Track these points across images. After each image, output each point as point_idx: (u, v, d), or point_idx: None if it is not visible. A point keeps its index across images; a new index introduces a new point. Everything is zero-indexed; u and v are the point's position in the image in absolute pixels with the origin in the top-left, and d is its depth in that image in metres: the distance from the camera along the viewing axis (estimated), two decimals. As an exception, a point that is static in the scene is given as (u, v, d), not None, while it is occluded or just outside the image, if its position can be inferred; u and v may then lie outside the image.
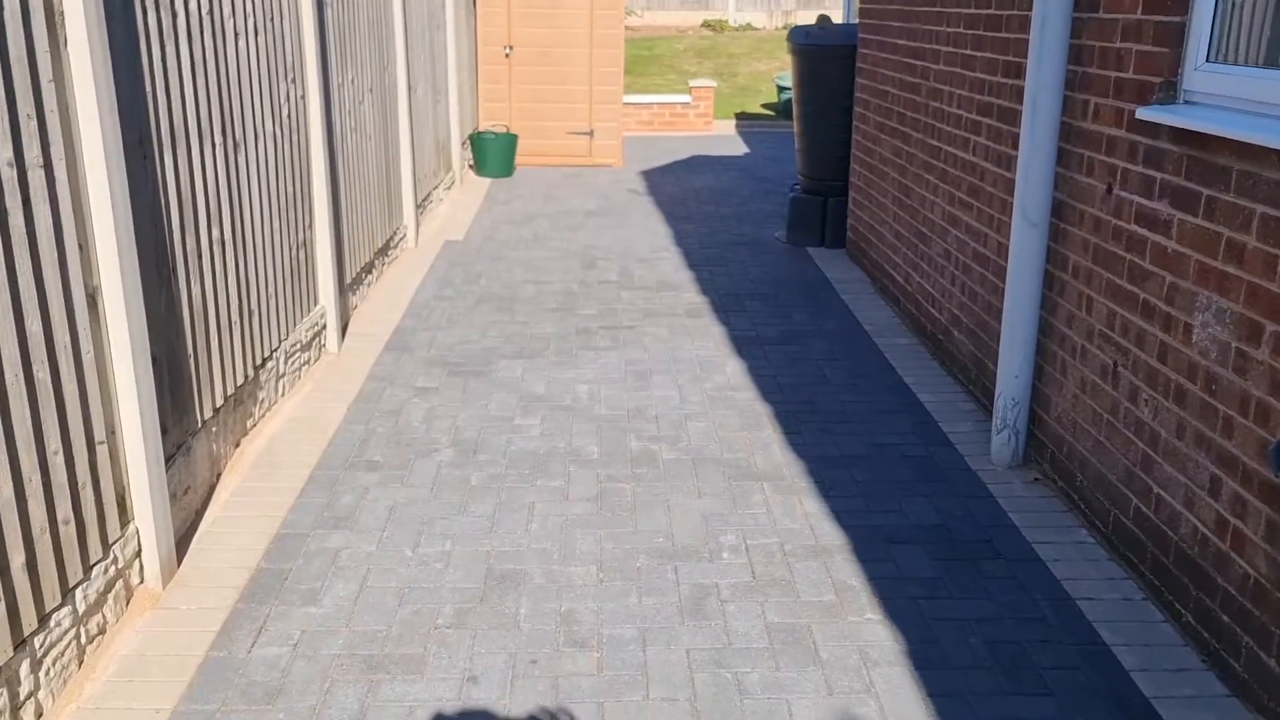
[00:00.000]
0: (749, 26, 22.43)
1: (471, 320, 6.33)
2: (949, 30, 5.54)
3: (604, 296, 6.85)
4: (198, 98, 3.93)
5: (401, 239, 7.78)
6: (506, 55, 11.04)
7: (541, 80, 11.14)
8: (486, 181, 10.56)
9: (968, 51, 5.27)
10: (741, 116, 14.49)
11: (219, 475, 4.17)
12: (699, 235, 8.54)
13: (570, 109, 11.25)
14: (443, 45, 9.49)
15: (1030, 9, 4.44)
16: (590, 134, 11.31)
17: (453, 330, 6.12)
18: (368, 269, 6.73)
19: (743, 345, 5.92)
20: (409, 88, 7.85)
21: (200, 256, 3.96)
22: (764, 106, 15.14)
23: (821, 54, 7.73)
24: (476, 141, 10.60)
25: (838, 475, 4.30)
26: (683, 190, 10.25)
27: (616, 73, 11.13)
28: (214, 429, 4.12)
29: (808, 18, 22.82)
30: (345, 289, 6.15)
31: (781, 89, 14.20)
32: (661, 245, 8.19)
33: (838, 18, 22.83)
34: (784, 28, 22.65)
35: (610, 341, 6.00)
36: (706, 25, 22.27)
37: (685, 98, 13.72)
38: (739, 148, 12.78)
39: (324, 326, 5.65)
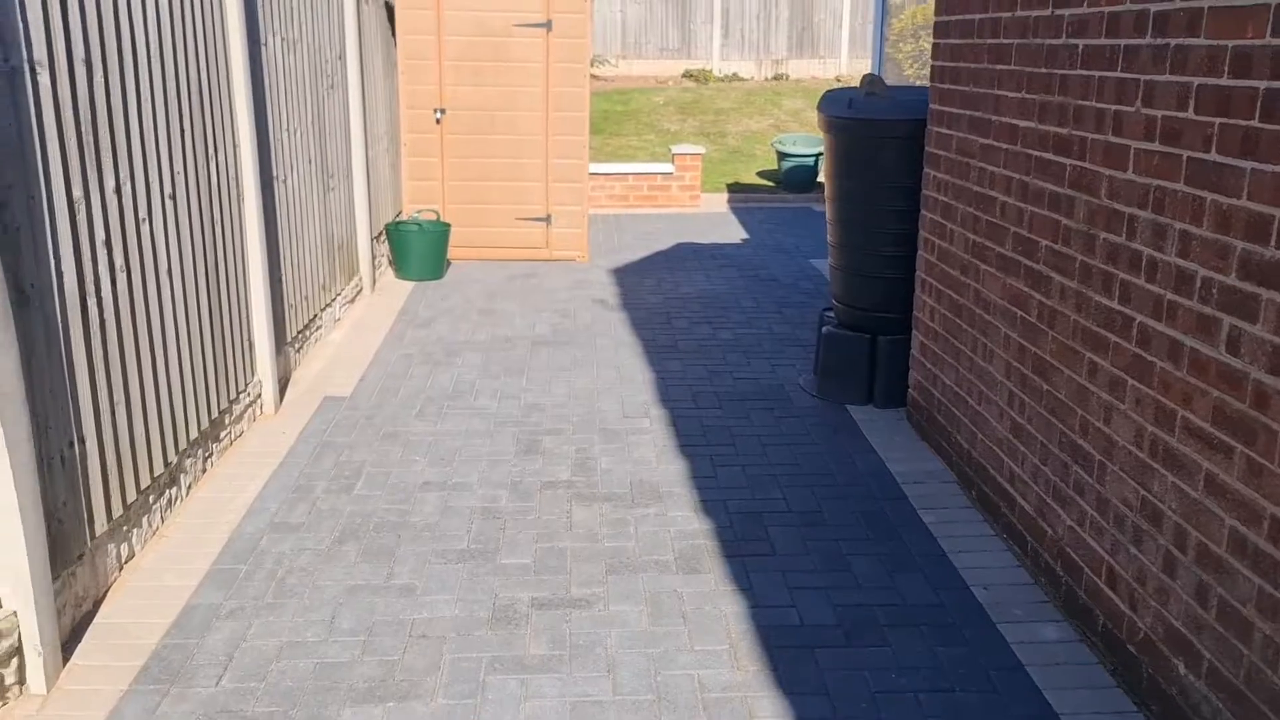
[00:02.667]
0: (735, 77, 20.17)
1: (318, 587, 3.76)
2: (1154, 114, 3.08)
3: (547, 521, 4.31)
4: None
5: (249, 406, 5.22)
6: (437, 121, 8.58)
7: (484, 152, 8.67)
8: (408, 287, 8.03)
9: (1214, 157, 2.80)
10: (735, 189, 12.09)
11: None
12: (692, 382, 6.03)
13: (521, 189, 8.78)
14: (339, 112, 7.01)
15: None
16: (547, 220, 8.83)
17: (277, 618, 3.55)
18: (159, 486, 4.16)
19: (779, 653, 3.38)
20: (261, 179, 5.33)
21: None
22: (760, 175, 12.75)
23: (871, 132, 5.28)
24: (395, 235, 8.09)
25: None
26: (667, 300, 7.76)
27: (580, 142, 8.69)
28: None
29: (800, 69, 20.59)
30: (63, 560, 3.57)
31: (784, 155, 11.82)
32: (639, 403, 5.67)
33: (836, 69, 20.62)
34: (775, 79, 20.41)
35: (548, 647, 3.44)
36: (689, 75, 20.01)
37: (667, 166, 11.31)
38: (734, 231, 10.34)
39: (15, 650, 3.09)
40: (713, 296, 7.85)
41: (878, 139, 5.29)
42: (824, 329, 5.81)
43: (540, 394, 5.80)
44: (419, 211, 8.49)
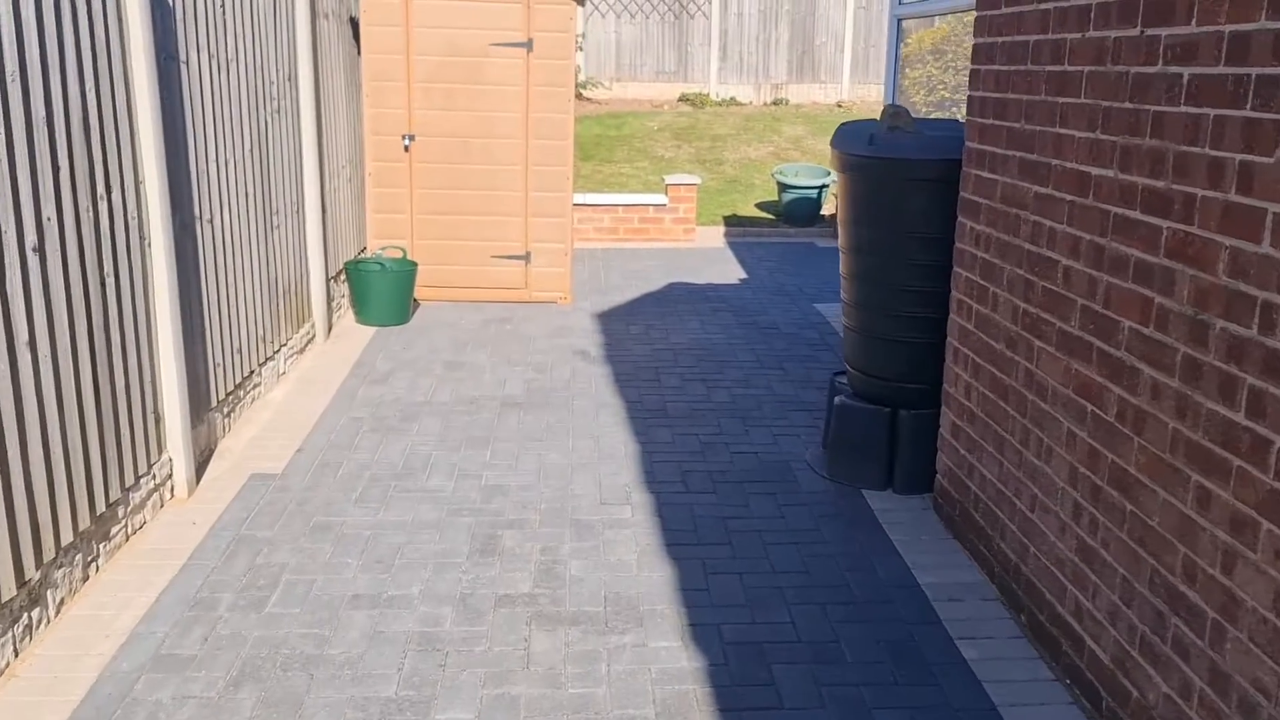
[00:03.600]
0: (733, 101, 19.47)
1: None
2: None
3: (499, 655, 3.47)
4: None
5: (155, 490, 4.38)
6: (406, 148, 7.78)
7: (456, 183, 7.88)
8: (368, 334, 7.21)
9: None
10: (732, 222, 11.30)
11: None
12: (682, 456, 5.21)
13: (497, 224, 7.97)
14: (289, 140, 6.21)
15: None
16: (525, 258, 8.03)
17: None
18: (10, 613, 3.31)
19: None
20: (175, 221, 4.52)
21: None
22: (760, 207, 11.96)
23: (896, 174, 4.48)
24: (355, 275, 7.27)
25: None
26: (656, 352, 6.94)
27: (563, 173, 7.90)
28: None
29: (801, 94, 19.88)
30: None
31: (786, 186, 11.03)
32: (620, 485, 4.84)
33: (838, 94, 19.90)
34: (774, 103, 19.69)
35: None
36: (685, 99, 19.29)
37: (660, 198, 10.52)
38: (731, 269, 9.54)
39: None
40: (707, 348, 7.03)
41: (903, 182, 4.48)
42: (836, 399, 4.99)
43: (505, 471, 4.97)
44: (383, 249, 7.68)
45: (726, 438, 5.48)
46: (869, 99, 19.91)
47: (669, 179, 10.59)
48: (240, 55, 5.42)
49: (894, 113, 4.61)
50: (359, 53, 7.66)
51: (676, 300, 8.31)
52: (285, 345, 6.25)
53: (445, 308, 7.90)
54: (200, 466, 4.85)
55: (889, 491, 4.85)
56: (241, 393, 5.51)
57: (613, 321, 7.65)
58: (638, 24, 19.77)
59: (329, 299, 7.10)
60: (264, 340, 5.85)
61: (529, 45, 7.64)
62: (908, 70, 7.42)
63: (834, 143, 4.79)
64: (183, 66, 4.68)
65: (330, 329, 7.11)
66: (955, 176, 4.36)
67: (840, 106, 19.20)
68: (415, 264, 7.52)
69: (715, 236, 10.89)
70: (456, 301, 8.06)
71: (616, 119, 16.48)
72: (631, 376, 6.42)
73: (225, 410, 5.27)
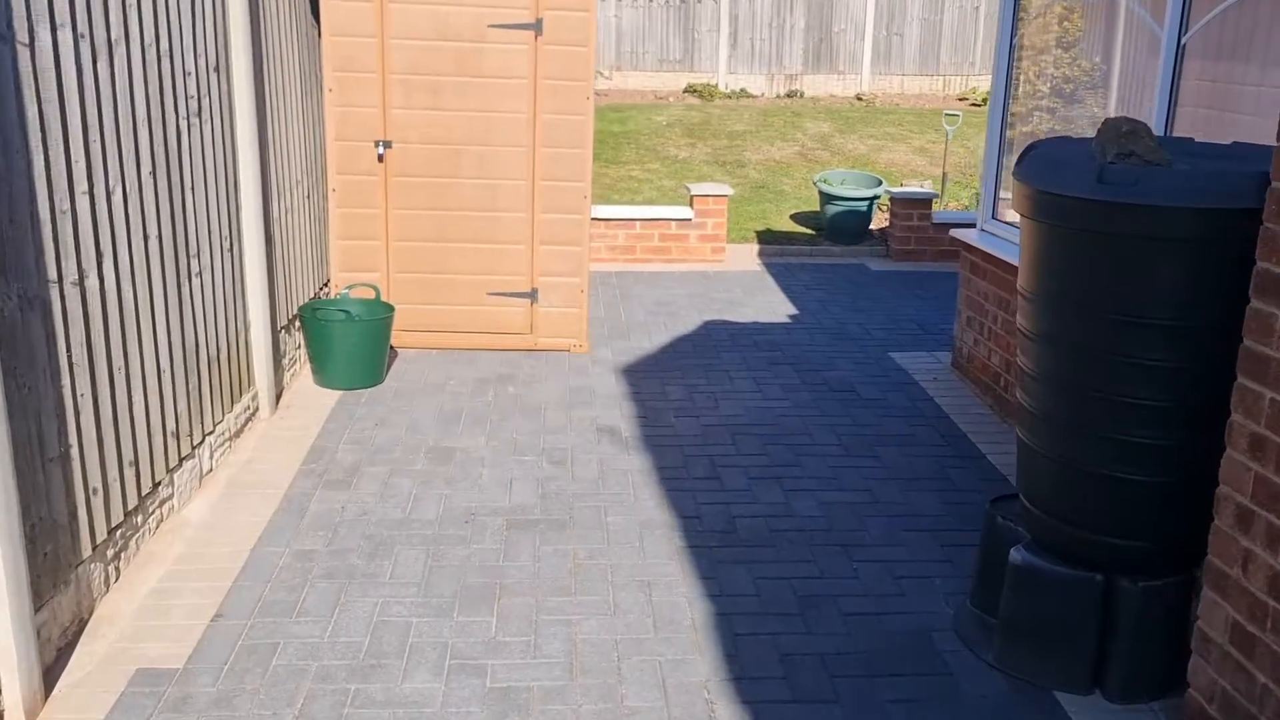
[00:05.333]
0: (744, 93, 17.80)
1: None
2: None
3: None
4: None
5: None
6: (380, 158, 6.12)
7: (444, 202, 6.22)
8: (330, 402, 5.55)
9: None
10: (766, 238, 9.66)
11: None
12: (776, 627, 3.57)
13: (495, 254, 6.33)
14: (219, 152, 4.53)
15: None
16: (531, 296, 6.38)
17: None
18: None
19: None
20: (15, 291, 2.87)
21: None
22: (795, 219, 10.32)
23: (1141, 228, 2.83)
24: (313, 325, 5.61)
25: None
26: (705, 429, 5.32)
27: (580, 190, 6.26)
28: None
29: (817, 85, 18.24)
30: None
31: (830, 197, 9.39)
32: (692, 686, 3.20)
33: (857, 86, 18.22)
34: (788, 95, 18.05)
35: None
36: (692, 90, 17.62)
37: (684, 211, 8.89)
38: (775, 301, 7.91)
39: None
40: (771, 422, 5.41)
41: (1148, 241, 2.87)
42: (1015, 556, 3.36)
43: (521, 658, 3.34)
44: (351, 287, 6.01)
45: (830, 584, 3.87)
46: (891, 91, 18.32)
47: (694, 188, 8.95)
48: (136, 34, 3.75)
49: (1127, 131, 2.99)
50: (319, 34, 5.98)
51: (718, 346, 6.68)
52: (213, 432, 4.60)
53: (430, 360, 6.24)
54: (61, 658, 3.22)
55: (1096, 695, 3.25)
56: (139, 519, 3.86)
57: (644, 380, 6.01)
58: (640, 8, 18.09)
59: (278, 357, 5.44)
60: (177, 435, 4.19)
61: (537, 27, 5.99)
62: (1024, 62, 5.85)
63: (1023, 174, 3.16)
64: (20, 50, 3.01)
65: (279, 397, 5.45)
66: (1237, 235, 2.76)
67: (861, 100, 17.59)
68: (391, 308, 5.85)
69: (748, 256, 9.26)
70: (444, 350, 6.40)
71: (619, 113, 14.82)
72: (680, 472, 4.79)
73: (109, 555, 3.62)
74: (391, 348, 6.21)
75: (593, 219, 8.73)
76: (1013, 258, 5.43)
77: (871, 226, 9.66)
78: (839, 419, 5.49)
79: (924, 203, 8.99)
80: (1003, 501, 3.69)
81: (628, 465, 4.86)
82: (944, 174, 10.04)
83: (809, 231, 9.87)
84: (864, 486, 4.71)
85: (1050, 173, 3.04)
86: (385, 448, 4.96)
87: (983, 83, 18.31)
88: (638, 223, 8.85)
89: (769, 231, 9.81)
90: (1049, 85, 6.20)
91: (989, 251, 5.72)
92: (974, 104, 17.39)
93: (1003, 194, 5.95)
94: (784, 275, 8.65)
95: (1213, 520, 2.92)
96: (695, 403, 5.67)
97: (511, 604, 3.67)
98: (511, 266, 6.33)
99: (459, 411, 5.44)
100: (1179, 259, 2.86)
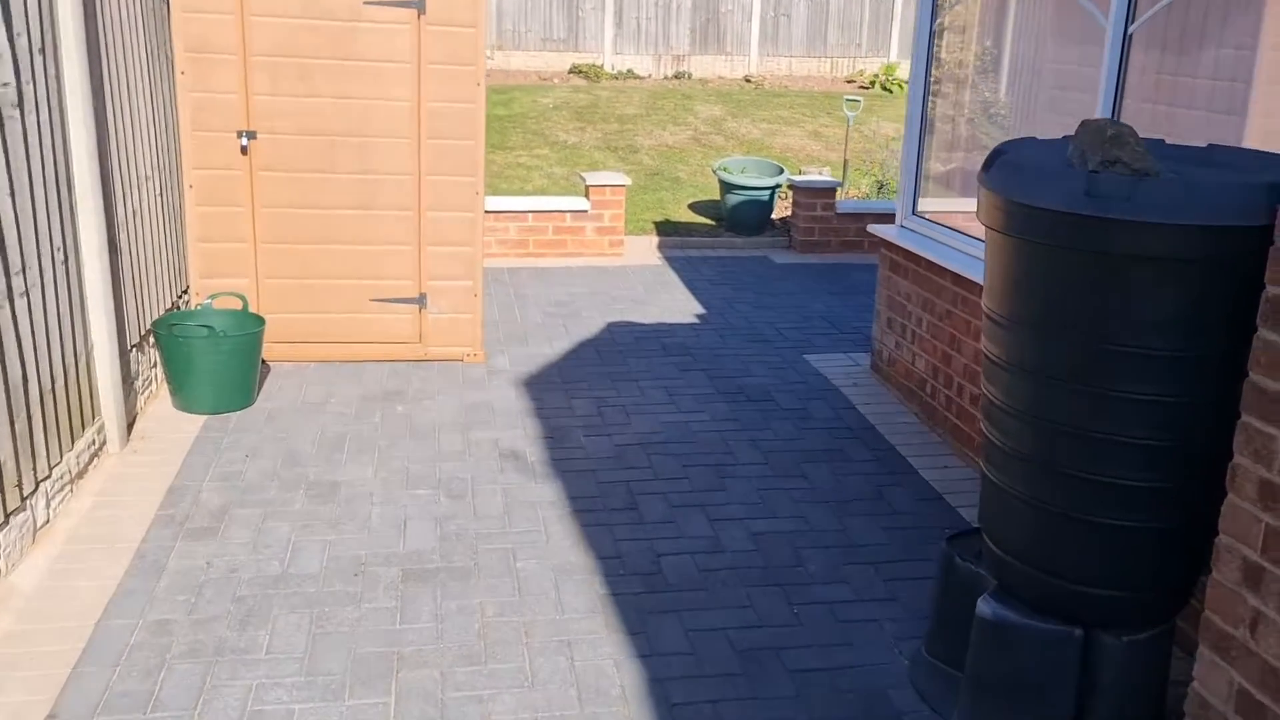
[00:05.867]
0: (631, 74, 17.32)
1: None
2: None
3: None
4: None
5: None
6: (244, 150, 5.45)
7: (319, 199, 5.60)
8: (193, 429, 4.89)
9: None
10: (666, 229, 9.23)
11: None
12: (715, 692, 3.14)
13: (380, 255, 5.73)
14: (46, 148, 3.84)
15: None
16: (420, 302, 5.81)
17: None
18: None
19: None
20: None
21: None
22: (694, 209, 9.91)
23: (1137, 247, 2.47)
24: (170, 343, 4.94)
25: None
26: (619, 449, 4.86)
27: (472, 185, 5.70)
28: None
29: (705, 67, 17.88)
30: None
31: (731, 186, 9.01)
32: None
33: (745, 67, 17.89)
34: (676, 77, 17.64)
35: None
36: (577, 71, 17.06)
37: (579, 202, 8.39)
38: (680, 298, 7.50)
39: None
40: (689, 439, 4.98)
41: (1149, 261, 2.52)
42: (983, 607, 3.00)
43: (426, 753, 2.86)
44: (214, 297, 5.35)
45: (770, 634, 3.47)
46: (779, 73, 18.10)
47: (590, 178, 8.45)
48: (-71, 11, 3.08)
49: (1111, 136, 2.63)
50: (168, 10, 5.27)
51: (625, 351, 6.22)
52: (49, 477, 3.93)
53: (308, 375, 5.62)
54: None
55: (1075, 764, 2.93)
56: (-46, 595, 3.22)
57: (547, 393, 5.52)
58: (522, -16, 17.39)
59: (129, 381, 4.76)
60: (1, 487, 3.53)
61: (420, 5, 5.40)
62: (945, 41, 5.52)
63: (995, 183, 2.78)
64: None
65: (132, 426, 4.78)
66: (1246, 255, 2.44)
67: (749, 82, 17.32)
68: (260, 320, 5.22)
69: (647, 249, 8.82)
70: (324, 363, 5.78)
71: (503, 94, 14.19)
72: (595, 502, 4.33)
73: (-87, 647, 2.98)
74: (264, 361, 5.58)
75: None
76: (937, 257, 5.13)
77: (773, 216, 9.33)
78: (760, 433, 5.10)
79: (827, 192, 8.69)
80: (960, 539, 3.34)
81: (536, 496, 4.37)
82: (845, 161, 9.78)
83: (709, 222, 9.48)
84: (795, 512, 4.32)
85: (1028, 182, 2.67)
86: (258, 484, 4.36)
87: (870, 65, 18.26)
88: (530, 215, 8.31)
89: (668, 222, 9.39)
90: (941, 70, 5.91)
91: (911, 250, 5.40)
92: (862, 86, 17.31)
93: (923, 200, 5.64)
94: (686, 269, 8.24)
95: (1211, 572, 2.61)
96: (605, 418, 5.21)
97: (412, 679, 3.16)
98: (397, 270, 5.74)
99: (342, 436, 4.86)
100: (1180, 281, 2.52)
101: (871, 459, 4.87)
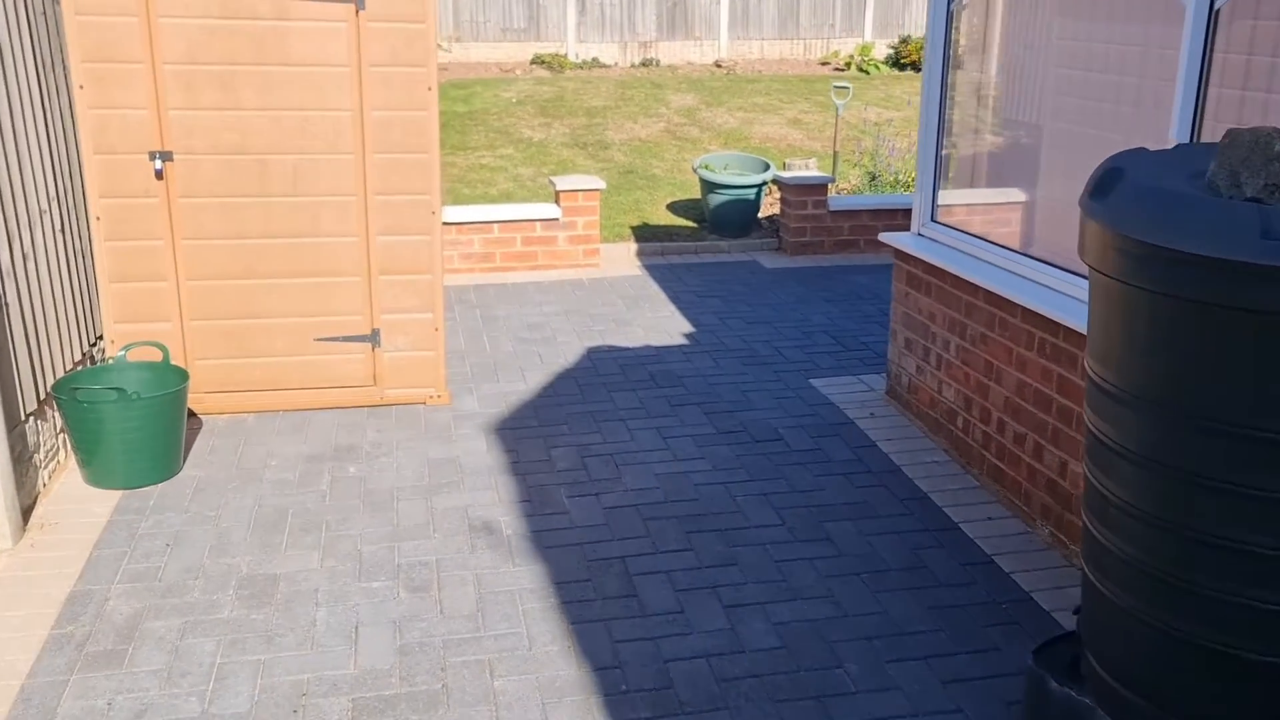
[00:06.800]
0: (596, 63, 16.55)
1: None
2: None
3: None
4: None
5: None
6: (159, 174, 4.69)
7: (251, 228, 4.84)
8: (106, 508, 4.14)
9: None
10: (644, 234, 8.51)
11: None
12: None
13: (324, 289, 4.99)
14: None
15: None
16: (373, 339, 5.08)
17: None
18: None
19: None
20: None
21: None
22: (673, 210, 9.20)
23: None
24: (72, 409, 4.17)
25: None
26: (609, 514, 4.14)
27: (428, 204, 4.97)
28: None
29: (673, 53, 17.12)
30: None
31: (713, 185, 8.30)
32: None
33: (715, 52, 17.14)
34: (643, 64, 16.85)
35: None
36: (540, 61, 16.26)
37: (549, 209, 7.66)
38: (665, 314, 6.79)
39: None
40: (689, 495, 4.29)
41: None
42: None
43: None
44: (128, 348, 4.59)
45: (815, 773, 2.79)
46: (751, 57, 17.37)
47: (559, 182, 7.72)
48: None
49: (1245, 138, 1.95)
50: (60, 13, 4.49)
51: (608, 384, 5.52)
52: (-87, 597, 3.18)
53: (245, 430, 4.87)
54: None
55: None
56: None
57: (522, 441, 4.80)
58: (478, -28, 16.54)
59: (23, 459, 4.00)
60: None
61: (358, 0, 4.66)
62: (963, 24, 4.82)
63: (1114, 216, 2.09)
64: None
65: (30, 512, 4.02)
66: None
67: (720, 67, 16.58)
68: (184, 375, 4.46)
69: (625, 258, 8.10)
70: (264, 413, 5.04)
71: (462, 89, 13.40)
72: (585, 588, 3.63)
73: None
74: (193, 414, 4.84)
75: (443, 223, 7.46)
76: (966, 271, 4.45)
77: (760, 215, 8.64)
78: (771, 484, 4.41)
79: (819, 188, 8.00)
80: (1050, 652, 2.67)
81: (514, 582, 3.66)
82: (835, 153, 9.09)
83: (691, 224, 8.76)
84: (823, 589, 3.64)
85: (1166, 215, 1.99)
86: (178, 584, 3.62)
87: (844, 45, 17.58)
88: (496, 226, 7.57)
89: (646, 226, 8.66)
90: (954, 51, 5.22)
91: (932, 262, 4.72)
92: (838, 68, 16.63)
93: (942, 193, 4.95)
94: (670, 280, 7.53)
95: None
96: (590, 472, 4.50)
97: None
98: (344, 304, 5.01)
99: (283, 512, 4.13)
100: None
101: (903, 512, 4.19)
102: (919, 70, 16.90)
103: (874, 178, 9.17)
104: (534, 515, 4.13)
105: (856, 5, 17.86)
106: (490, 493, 4.31)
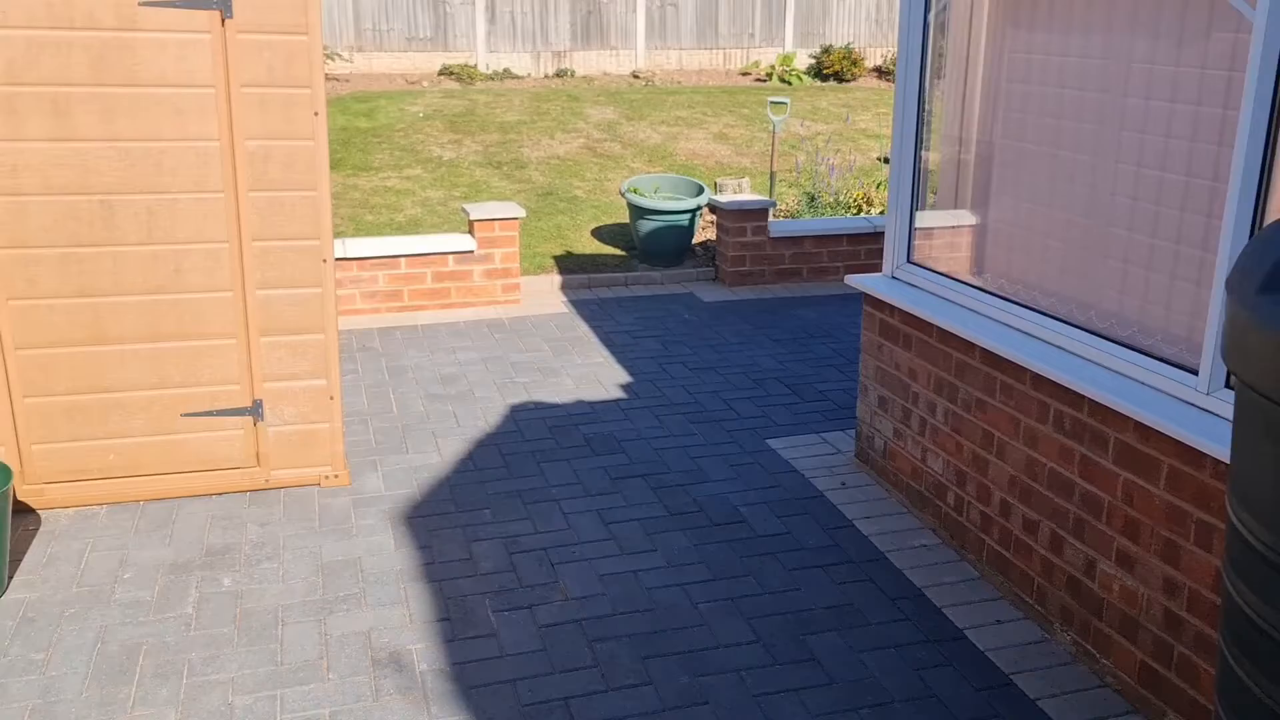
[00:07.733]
0: (508, 73, 15.72)
1: None
2: None
3: None
4: None
5: None
6: (-25, 221, 3.81)
7: (95, 283, 3.97)
8: (-97, 647, 3.27)
9: None
10: (568, 265, 7.75)
11: None
12: None
13: (189, 354, 4.14)
14: None
15: None
16: (254, 411, 4.24)
17: None
18: None
19: None
20: None
21: None
22: (598, 236, 8.45)
23: None
24: None
25: None
26: (545, 636, 3.36)
27: (318, 250, 4.15)
28: None
29: (588, 63, 16.39)
30: None
31: (643, 211, 7.58)
32: None
33: (631, 62, 16.41)
34: (558, 75, 16.07)
35: None
36: (448, 72, 15.37)
37: (463, 240, 6.87)
38: (597, 361, 6.06)
39: None
40: (642, 605, 3.55)
41: None
42: None
43: None
44: (-63, 437, 3.70)
45: None
46: (669, 67, 16.73)
47: (473, 210, 6.92)
48: None
49: None
50: None
51: (538, 452, 4.75)
52: None
53: (95, 526, 3.99)
54: None
55: None
56: None
57: (438, 534, 4.02)
58: (381, -22, 15.60)
59: None
60: None
61: (223, 4, 3.82)
62: (944, 38, 4.21)
63: (1248, 306, 1.44)
64: None
65: None
66: None
67: (638, 78, 15.91)
68: (7, 473, 3.58)
69: (548, 292, 7.33)
70: (118, 505, 4.16)
71: (365, 103, 12.49)
72: (521, 748, 2.88)
73: None
74: (30, 510, 3.96)
75: (342, 259, 6.64)
76: (954, 323, 3.81)
77: (694, 242, 7.96)
78: (738, 583, 3.71)
79: (759, 213, 7.34)
80: None
81: (431, 745, 2.89)
82: (772, 173, 8.45)
83: (618, 252, 8.02)
84: (818, 738, 2.94)
85: None
86: (-14, 769, 2.77)
87: (765, 55, 17.06)
88: (403, 259, 6.75)
89: (570, 255, 7.90)
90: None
91: (910, 311, 4.08)
92: (758, 79, 16.10)
93: (918, 225, 4.31)
94: (600, 317, 6.79)
95: None
96: (521, 575, 3.74)
97: None
98: (217, 372, 4.16)
99: (134, 650, 3.28)
100: None
101: (897, 616, 3.52)
102: (842, 81, 16.45)
103: (813, 199, 8.56)
104: (454, 640, 3.35)
105: (776, 15, 17.36)
106: (399, 609, 3.52)
